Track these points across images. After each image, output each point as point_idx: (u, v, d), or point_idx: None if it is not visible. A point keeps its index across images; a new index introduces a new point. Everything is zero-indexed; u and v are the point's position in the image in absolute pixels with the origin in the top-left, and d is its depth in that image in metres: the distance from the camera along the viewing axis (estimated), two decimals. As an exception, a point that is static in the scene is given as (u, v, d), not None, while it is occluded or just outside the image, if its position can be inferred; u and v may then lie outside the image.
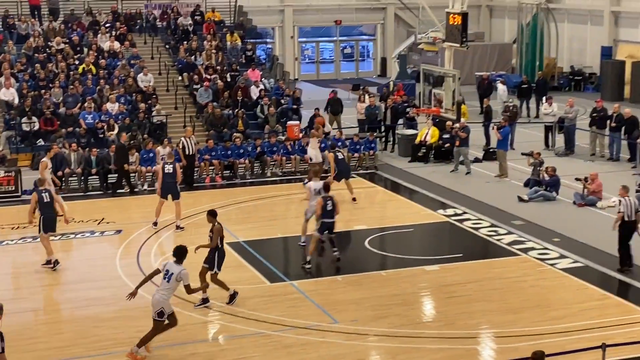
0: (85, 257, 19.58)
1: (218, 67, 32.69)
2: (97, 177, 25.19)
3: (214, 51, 33.58)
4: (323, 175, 22.64)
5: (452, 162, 27.35)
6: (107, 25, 35.26)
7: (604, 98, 34.62)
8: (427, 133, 28.65)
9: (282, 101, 31.21)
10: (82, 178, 25.02)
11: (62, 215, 19.38)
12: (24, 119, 27.93)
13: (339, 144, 26.86)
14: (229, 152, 26.42)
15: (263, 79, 32.96)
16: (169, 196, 21.05)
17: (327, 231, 18.34)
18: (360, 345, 14.52)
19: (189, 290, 14.24)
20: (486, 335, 14.99)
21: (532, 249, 19.41)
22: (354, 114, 32.02)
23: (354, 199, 23.43)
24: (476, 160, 27.95)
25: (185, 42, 34.43)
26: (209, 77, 31.64)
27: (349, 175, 24.05)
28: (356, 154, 27.45)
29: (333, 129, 29.73)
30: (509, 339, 14.64)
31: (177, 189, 21.17)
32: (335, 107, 31.40)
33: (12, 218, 22.10)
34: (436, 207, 23.07)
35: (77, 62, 31.91)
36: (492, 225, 21.26)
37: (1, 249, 20.05)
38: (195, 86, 31.29)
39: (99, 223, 21.81)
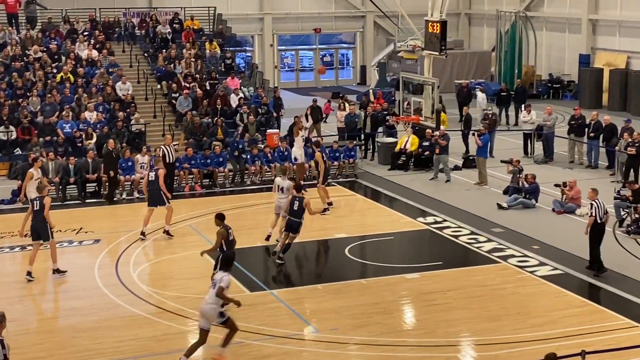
0: (63, 267, 19.39)
1: (197, 76, 32.62)
2: (75, 186, 25.03)
3: (193, 59, 33.52)
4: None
5: (431, 169, 27.40)
6: (85, 33, 35.15)
7: (582, 106, 34.84)
8: (407, 141, 28.70)
9: (263, 101, 31.21)
10: (60, 187, 24.86)
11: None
12: (1, 128, 27.77)
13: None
14: (209, 161, 26.34)
15: (242, 87, 32.92)
16: (158, 204, 20.98)
17: (290, 231, 18.74)
18: (341, 354, 14.47)
19: (221, 293, 13.63)
20: (466, 343, 14.98)
21: (512, 256, 19.45)
22: (333, 122, 32.03)
23: (330, 204, 23.38)
24: (456, 168, 28.02)
25: (164, 51, 34.36)
26: (188, 85, 31.56)
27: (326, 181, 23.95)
28: (336, 162, 27.44)
29: (313, 137, 29.70)
30: (489, 346, 14.64)
31: (160, 195, 20.98)
32: (315, 115, 31.40)
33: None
34: (416, 215, 23.08)
35: (54, 71, 31.77)
36: (472, 233, 21.30)
37: (-22, 259, 19.86)
38: (174, 94, 31.19)
39: (77, 232, 21.67)
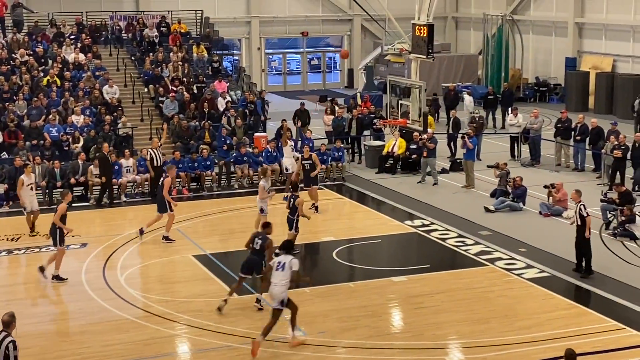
0: (50, 271, 19.33)
1: (184, 79, 32.59)
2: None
3: (180, 63, 33.47)
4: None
5: (419, 172, 27.44)
6: (72, 37, 35.04)
7: (568, 109, 34.96)
8: (395, 144, 28.73)
9: (250, 99, 31.22)
10: (47, 191, 24.77)
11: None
12: (-12, 132, 27.65)
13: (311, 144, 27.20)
14: (196, 164, 26.31)
15: (230, 91, 32.89)
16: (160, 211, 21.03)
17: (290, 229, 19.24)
18: (329, 357, 14.48)
19: (297, 277, 14.60)
20: (454, 345, 15.00)
21: (499, 259, 19.49)
22: (321, 125, 32.05)
23: (316, 208, 23.40)
24: (443, 171, 28.07)
25: (151, 54, 34.30)
26: (175, 88, 31.52)
27: (309, 184, 23.89)
28: (323, 165, 27.44)
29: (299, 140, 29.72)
30: (477, 349, 14.67)
31: (163, 202, 20.91)
32: (302, 118, 31.40)
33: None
34: (403, 218, 23.11)
35: (41, 74, 31.66)
36: (459, 236, 21.33)
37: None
38: (161, 98, 31.14)
39: (64, 236, 21.57)
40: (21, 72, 31.34)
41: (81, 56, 33.27)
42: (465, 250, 20.23)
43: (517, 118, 29.92)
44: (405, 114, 30.75)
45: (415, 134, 28.36)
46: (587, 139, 27.95)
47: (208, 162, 26.51)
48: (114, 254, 20.08)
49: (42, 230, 21.46)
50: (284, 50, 51.24)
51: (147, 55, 34.18)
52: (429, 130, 28.71)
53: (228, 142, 27.48)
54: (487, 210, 23.50)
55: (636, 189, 24.85)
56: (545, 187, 23.69)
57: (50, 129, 27.76)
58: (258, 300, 16.52)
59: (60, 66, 32.08)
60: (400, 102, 31.28)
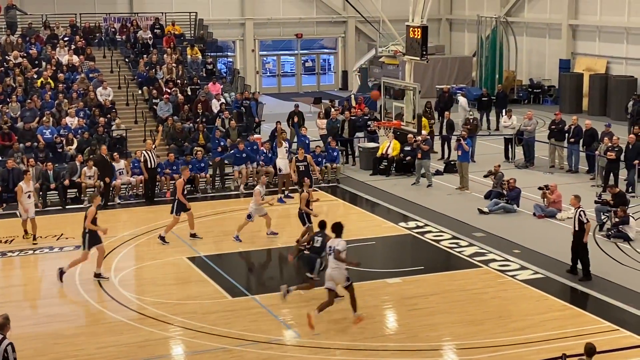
0: (44, 273, 19.33)
1: (178, 81, 32.55)
2: (56, 192, 24.93)
3: (174, 65, 33.44)
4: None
5: (413, 174, 27.45)
6: (66, 38, 34.99)
7: (562, 110, 35.01)
8: (389, 146, 28.75)
9: (245, 96, 31.19)
10: (41, 193, 24.73)
11: None
12: (-19, 134, 27.57)
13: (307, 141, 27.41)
14: (190, 166, 26.22)
15: (224, 93, 32.87)
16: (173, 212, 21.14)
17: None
18: (324, 359, 14.47)
19: (338, 255, 15.40)
20: (448, 347, 15.01)
21: (493, 260, 19.51)
22: (315, 127, 32.03)
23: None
24: (437, 172, 28.09)
25: (145, 56, 34.25)
26: (169, 90, 31.49)
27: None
28: (318, 167, 27.41)
29: (294, 142, 29.71)
30: (471, 350, 14.69)
31: (174, 204, 21.06)
32: (298, 119, 31.35)
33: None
34: (398, 220, 23.12)
35: (35, 76, 31.60)
36: (454, 238, 21.35)
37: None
38: (155, 100, 31.11)
39: (58, 239, 21.56)
40: (15, 74, 31.28)
41: (75, 58, 33.22)
42: (459, 252, 20.24)
43: (511, 120, 29.95)
44: (399, 116, 30.76)
45: (410, 135, 28.37)
46: (581, 141, 27.99)
47: (202, 164, 26.47)
48: (107, 256, 20.01)
49: (43, 233, 21.47)
50: (278, 52, 51.24)
51: (141, 57, 34.14)
52: (423, 132, 28.73)
53: (222, 144, 27.46)
54: (481, 212, 23.53)
55: (629, 190, 24.91)
56: (540, 188, 23.73)
57: (44, 130, 27.70)
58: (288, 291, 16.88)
59: (54, 68, 32.02)
60: (394, 103, 31.30)
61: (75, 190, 25.20)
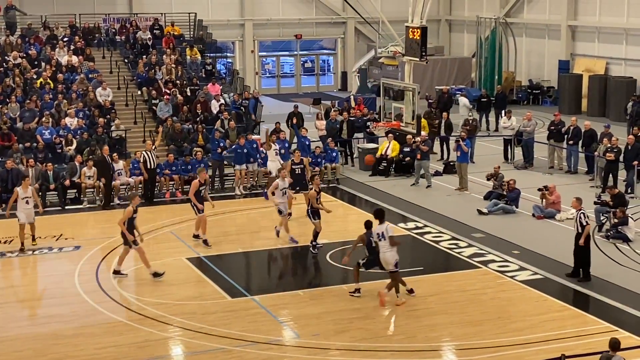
0: (44, 273, 19.34)
1: (178, 82, 32.56)
2: (56, 192, 24.93)
3: (173, 65, 33.45)
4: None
5: (412, 175, 27.46)
6: (65, 39, 34.99)
7: (561, 111, 35.06)
8: (388, 147, 28.75)
9: (245, 96, 31.20)
10: (40, 194, 24.70)
11: None
12: (-20, 135, 27.57)
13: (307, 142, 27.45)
14: (189, 167, 26.27)
15: (223, 94, 32.87)
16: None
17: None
18: (322, 359, 14.47)
19: (392, 241, 16.72)
20: (447, 348, 15.02)
21: (492, 261, 19.52)
22: (314, 129, 32.01)
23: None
24: (437, 173, 28.10)
25: (144, 57, 34.25)
26: (168, 91, 31.49)
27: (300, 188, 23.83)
28: (317, 168, 27.43)
29: (293, 142, 29.72)
30: (470, 351, 14.69)
31: (191, 204, 21.06)
32: (297, 120, 31.35)
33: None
34: (397, 221, 23.11)
35: (34, 77, 31.60)
36: (453, 238, 21.35)
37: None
38: (154, 101, 31.11)
39: (57, 239, 21.56)
40: (14, 74, 31.28)
41: (74, 58, 33.21)
42: (458, 253, 20.25)
43: (510, 121, 29.97)
44: (398, 117, 30.75)
45: (409, 136, 28.39)
46: (580, 142, 28.02)
47: (202, 165, 26.42)
48: (107, 256, 20.04)
49: (42, 234, 21.48)
50: (278, 52, 51.26)
51: (141, 58, 34.14)
52: (423, 132, 28.73)
53: (222, 144, 27.45)
54: (480, 212, 23.53)
55: (629, 191, 24.93)
56: (539, 189, 23.73)
57: (43, 131, 27.68)
58: (356, 290, 17.30)
59: (53, 68, 32.02)
60: (393, 104, 31.30)
61: (75, 190, 25.19)
